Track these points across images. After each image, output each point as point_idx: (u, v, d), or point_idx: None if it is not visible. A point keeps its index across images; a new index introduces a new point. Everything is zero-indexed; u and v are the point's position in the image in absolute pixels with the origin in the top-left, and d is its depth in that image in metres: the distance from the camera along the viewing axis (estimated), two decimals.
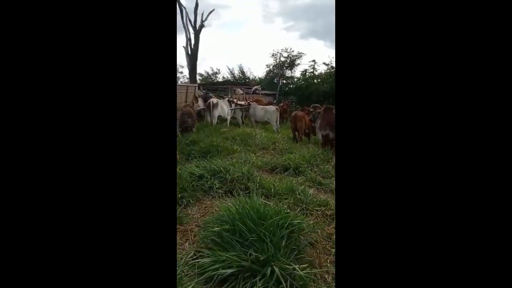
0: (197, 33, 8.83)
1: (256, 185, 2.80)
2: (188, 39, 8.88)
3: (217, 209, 2.36)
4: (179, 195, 2.50)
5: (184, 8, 8.62)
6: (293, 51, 17.29)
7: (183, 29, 8.80)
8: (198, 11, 8.67)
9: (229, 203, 2.27)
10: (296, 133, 6.33)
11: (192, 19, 8.77)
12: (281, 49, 17.43)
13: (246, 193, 2.71)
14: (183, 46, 9.03)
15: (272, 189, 2.73)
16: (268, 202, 2.38)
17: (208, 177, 2.91)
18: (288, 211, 2.21)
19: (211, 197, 2.69)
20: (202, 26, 8.86)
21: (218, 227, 1.86)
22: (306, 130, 6.39)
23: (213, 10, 13.40)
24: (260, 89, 12.40)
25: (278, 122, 7.77)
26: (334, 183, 3.23)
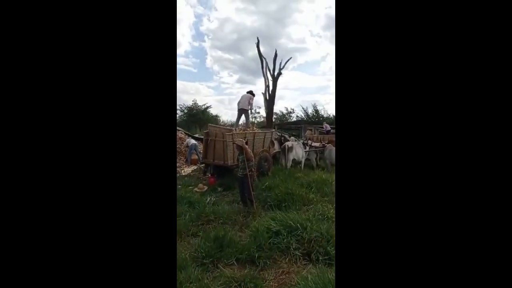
0: (275, 80, 9.50)
1: None
2: (267, 86, 9.60)
3: (294, 276, 2.21)
4: (256, 255, 2.47)
5: (264, 58, 9.52)
6: None
7: (262, 77, 9.62)
8: (276, 59, 9.42)
9: (308, 275, 2.11)
10: None
11: (271, 68, 9.54)
12: None
13: (325, 259, 2.48)
14: (262, 93, 9.80)
15: None
16: None
17: (285, 234, 2.82)
18: None
19: (288, 258, 2.56)
20: (280, 73, 9.52)
21: None
22: None
23: (291, 58, 14.41)
24: (330, 128, 12.06)
25: None
26: None
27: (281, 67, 9.39)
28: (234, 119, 11.21)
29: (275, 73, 9.27)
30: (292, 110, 20.80)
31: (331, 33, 35.91)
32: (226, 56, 36.04)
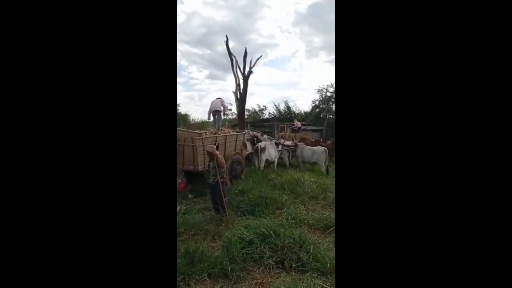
0: (245, 79, 9.40)
1: (310, 257, 2.56)
2: (238, 85, 9.47)
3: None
4: (229, 268, 2.41)
5: (234, 57, 9.36)
6: None
7: (233, 76, 9.46)
8: (247, 58, 9.32)
9: (281, 286, 2.10)
10: None
11: (241, 66, 9.41)
12: (327, 85, 17.42)
13: (298, 266, 2.50)
14: (233, 92, 9.63)
15: (328, 264, 2.46)
16: (325, 286, 2.13)
17: (258, 242, 2.79)
18: None
19: (261, 268, 2.53)
20: (250, 72, 9.43)
21: None
22: None
23: (261, 56, 14.27)
24: (300, 124, 12.30)
25: (326, 163, 7.41)
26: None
27: (252, 65, 9.32)
28: (204, 116, 10.86)
29: (246, 72, 9.18)
30: (264, 107, 20.90)
31: (300, 29, 36.50)
32: (195, 50, 35.10)
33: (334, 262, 2.50)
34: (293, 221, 3.46)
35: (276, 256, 2.65)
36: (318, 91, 17.91)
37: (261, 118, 19.48)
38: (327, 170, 7.25)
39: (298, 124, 12.25)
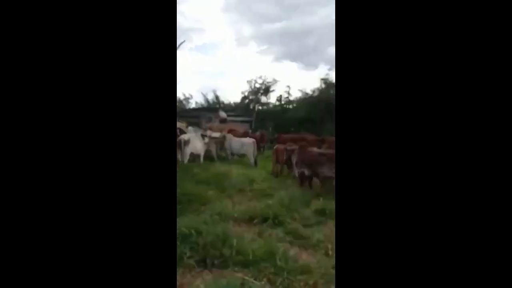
0: None
1: (232, 251, 2.52)
2: None
3: None
4: None
5: None
6: (267, 78, 17.80)
7: None
8: None
9: (200, 285, 1.99)
10: (278, 166, 6.22)
11: None
12: (256, 77, 17.88)
13: (220, 262, 2.43)
14: None
15: (250, 255, 2.47)
16: (246, 278, 2.12)
17: (178, 243, 2.59)
18: None
19: (181, 270, 2.36)
20: None
21: None
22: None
23: (184, 41, 13.43)
24: (226, 115, 12.38)
25: (255, 155, 7.61)
26: (318, 233, 3.07)
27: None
28: None
29: None
30: (190, 96, 20.01)
31: (229, 17, 36.06)
32: None
33: (256, 253, 2.53)
34: (217, 216, 3.37)
35: (198, 255, 2.51)
36: (247, 81, 18.22)
37: (187, 108, 18.61)
38: (255, 162, 7.45)
39: (223, 115, 12.17)
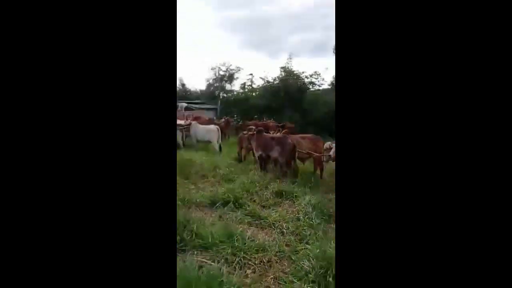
0: None
1: (193, 235, 2.63)
2: None
3: None
4: None
5: None
6: (231, 65, 17.54)
7: None
8: None
9: None
10: (242, 151, 6.44)
11: None
12: (220, 64, 17.50)
13: (181, 246, 2.53)
14: None
15: (210, 238, 2.61)
16: (204, 260, 2.27)
17: None
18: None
19: None
20: None
21: None
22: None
23: None
24: (186, 104, 12.15)
25: (219, 141, 7.66)
26: (275, 214, 3.31)
27: None
28: None
29: None
30: None
31: (194, 2, 34.16)
32: None
33: (215, 235, 2.68)
34: (180, 202, 3.42)
35: None
36: (212, 69, 17.80)
37: None
38: (220, 148, 7.52)
39: (182, 105, 11.83)
